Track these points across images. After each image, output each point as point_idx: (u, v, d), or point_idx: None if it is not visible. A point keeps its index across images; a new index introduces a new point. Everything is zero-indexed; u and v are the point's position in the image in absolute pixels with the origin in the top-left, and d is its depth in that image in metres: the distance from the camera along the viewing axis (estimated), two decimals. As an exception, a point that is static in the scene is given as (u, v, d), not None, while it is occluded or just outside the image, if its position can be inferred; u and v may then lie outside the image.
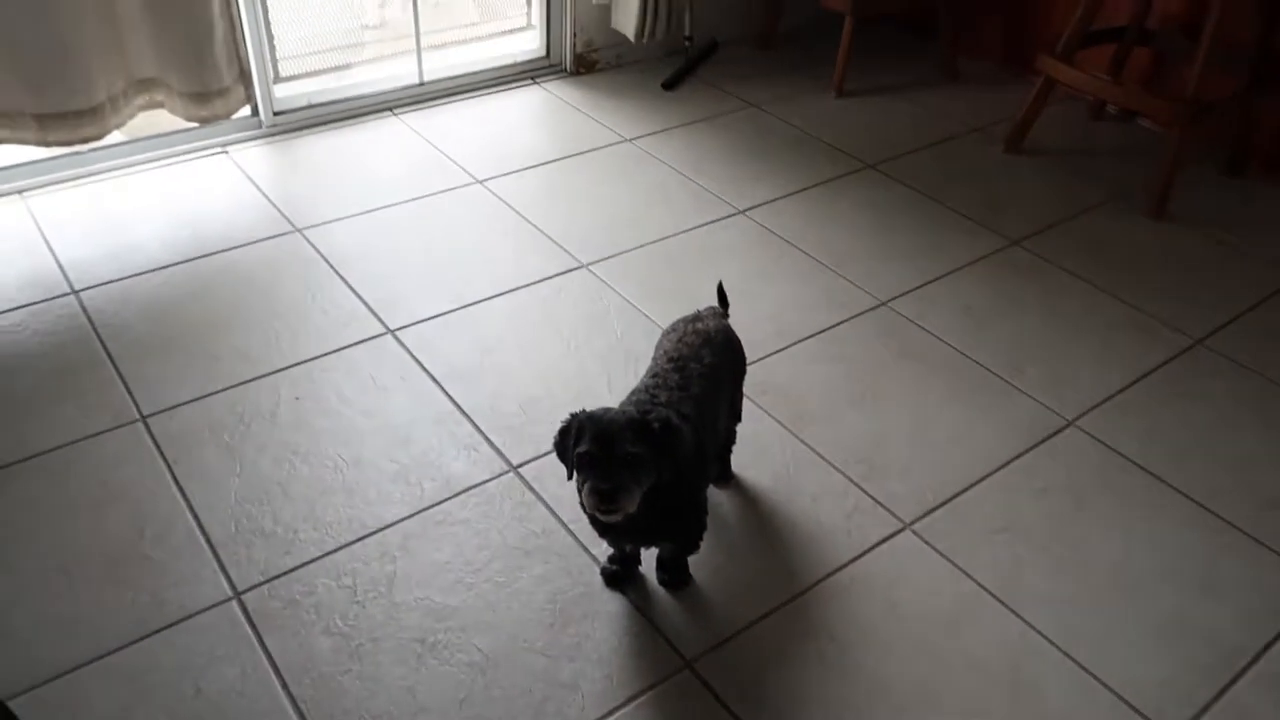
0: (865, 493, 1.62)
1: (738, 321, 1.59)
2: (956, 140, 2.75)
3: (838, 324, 2.01)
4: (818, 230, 2.31)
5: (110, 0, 2.05)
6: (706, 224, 2.32)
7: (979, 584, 1.48)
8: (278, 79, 2.60)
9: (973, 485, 1.65)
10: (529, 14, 3.01)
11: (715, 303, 1.61)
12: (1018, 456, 1.72)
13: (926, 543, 1.54)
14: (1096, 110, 2.90)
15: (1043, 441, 1.75)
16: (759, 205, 2.40)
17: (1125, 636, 1.41)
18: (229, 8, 2.21)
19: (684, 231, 2.29)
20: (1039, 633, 1.40)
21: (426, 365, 1.84)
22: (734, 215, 2.36)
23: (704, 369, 1.38)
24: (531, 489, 1.59)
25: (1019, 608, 1.44)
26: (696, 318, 1.48)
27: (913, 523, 1.57)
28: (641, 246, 2.23)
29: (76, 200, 2.27)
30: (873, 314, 2.05)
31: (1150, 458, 1.72)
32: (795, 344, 1.95)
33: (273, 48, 2.51)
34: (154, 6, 2.10)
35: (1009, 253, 2.28)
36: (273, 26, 2.50)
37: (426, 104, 2.78)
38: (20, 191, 2.27)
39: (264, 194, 2.34)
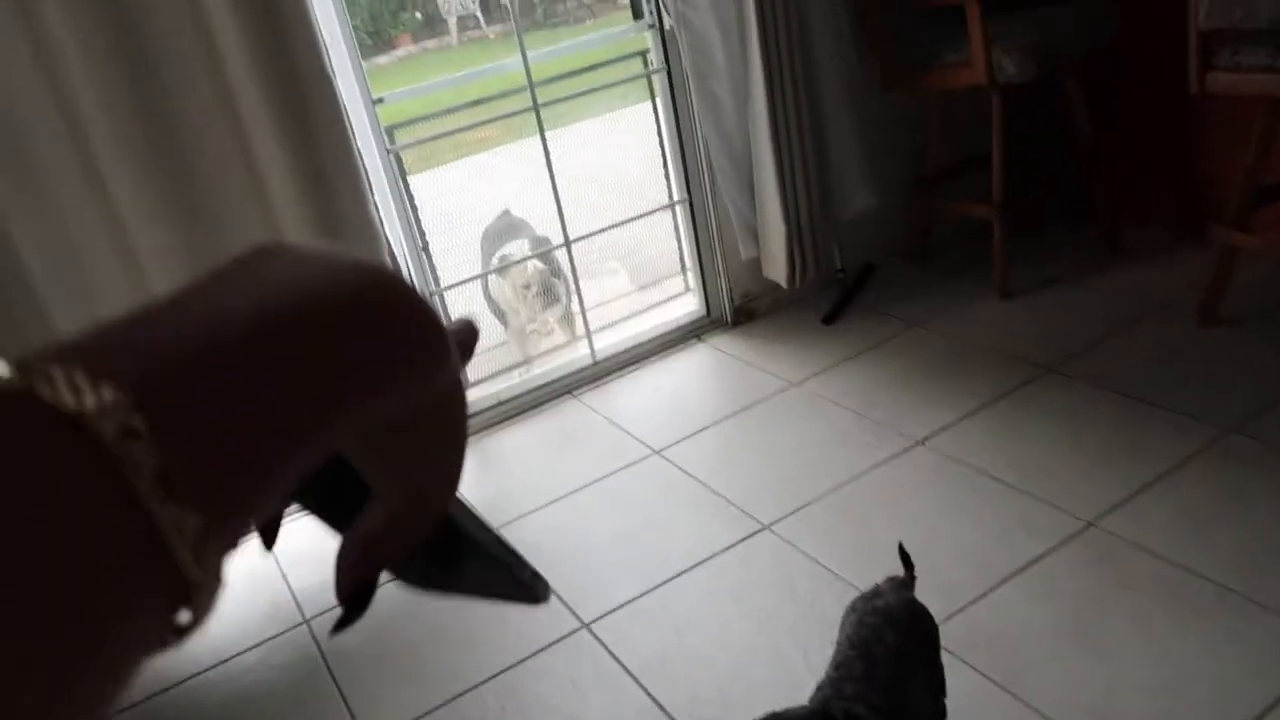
0: (1107, 760, 1.45)
1: (930, 568, 1.52)
2: (1142, 323, 2.61)
3: (1042, 555, 1.88)
4: (1005, 450, 2.22)
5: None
6: (886, 461, 2.28)
7: None
8: (467, 385, 2.85)
9: (1236, 737, 1.44)
10: (685, 279, 3.20)
11: (900, 560, 1.55)
12: (1285, 694, 1.49)
13: (1192, 819, 1.34)
14: (1297, 262, 2.69)
15: (1313, 671, 1.52)
16: (938, 432, 2.34)
17: None
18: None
19: (864, 473, 2.25)
20: None
21: (622, 659, 1.85)
22: (914, 447, 2.31)
23: (889, 652, 1.32)
24: (737, 792, 1.53)
25: None
26: (875, 594, 1.43)
27: (1170, 794, 1.38)
28: (822, 497, 2.20)
29: (308, 528, 2.51)
30: (1080, 538, 1.90)
31: None
32: (998, 586, 1.83)
33: (459, 361, 2.77)
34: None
35: (1227, 442, 2.08)
36: (458, 342, 2.77)
37: (602, 380, 2.95)
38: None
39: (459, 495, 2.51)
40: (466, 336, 0.36)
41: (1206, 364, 2.38)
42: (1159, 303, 2.69)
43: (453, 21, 11.38)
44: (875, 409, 2.49)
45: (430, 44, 11.38)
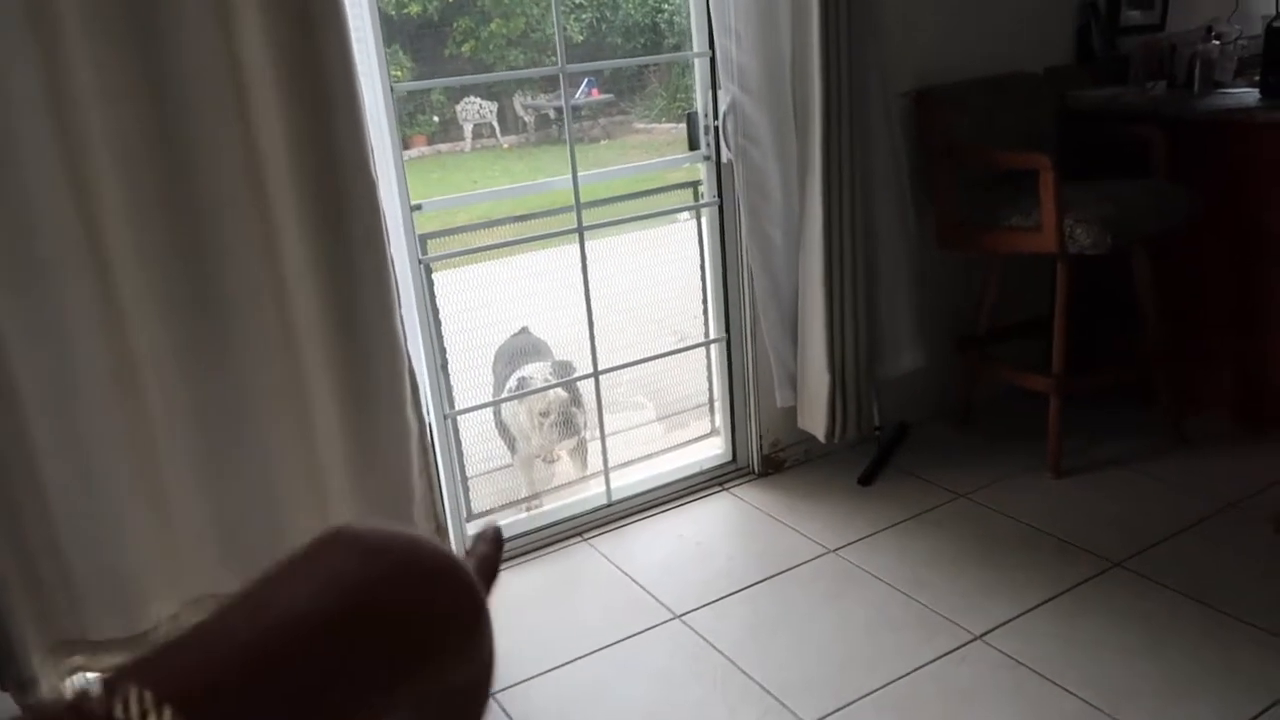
0: None
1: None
2: (1212, 521, 2.41)
3: (1139, 800, 1.62)
4: (1077, 659, 1.97)
5: (320, 480, 2.11)
6: (941, 657, 2.03)
7: None
8: (470, 517, 2.60)
9: None
10: (712, 421, 2.99)
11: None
12: None
13: None
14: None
15: None
16: (997, 627, 2.10)
17: None
18: (428, 469, 2.24)
19: (916, 669, 2.00)
20: None
21: None
22: (971, 642, 2.06)
23: None
24: None
25: None
26: None
27: None
28: (870, 694, 1.94)
29: None
30: (1180, 781, 1.65)
31: None
32: (1092, 837, 1.56)
33: (467, 494, 2.53)
34: (358, 479, 2.14)
35: (1330, 675, 1.86)
36: (468, 471, 2.54)
37: (616, 524, 2.70)
38: (222, 665, 2.25)
39: (457, 649, 2.22)
40: (491, 549, 0.43)
41: (1292, 577, 2.17)
42: (1227, 500, 2.49)
43: (468, 128, 11.51)
44: (923, 591, 2.25)
45: (444, 147, 11.46)
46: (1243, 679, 1.87)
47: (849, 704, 1.92)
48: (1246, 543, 2.32)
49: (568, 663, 2.14)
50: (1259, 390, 2.79)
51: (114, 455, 1.87)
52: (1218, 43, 2.90)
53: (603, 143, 11.05)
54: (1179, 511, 2.46)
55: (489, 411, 2.96)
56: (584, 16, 10.25)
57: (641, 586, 2.40)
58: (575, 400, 2.87)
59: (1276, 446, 2.67)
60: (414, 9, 10.15)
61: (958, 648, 2.05)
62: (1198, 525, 2.40)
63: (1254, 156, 2.62)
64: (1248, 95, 2.71)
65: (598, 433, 2.74)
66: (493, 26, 10.70)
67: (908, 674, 1.99)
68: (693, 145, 2.63)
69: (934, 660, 2.02)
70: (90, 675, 2.10)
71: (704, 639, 2.17)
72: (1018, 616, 2.13)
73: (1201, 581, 2.17)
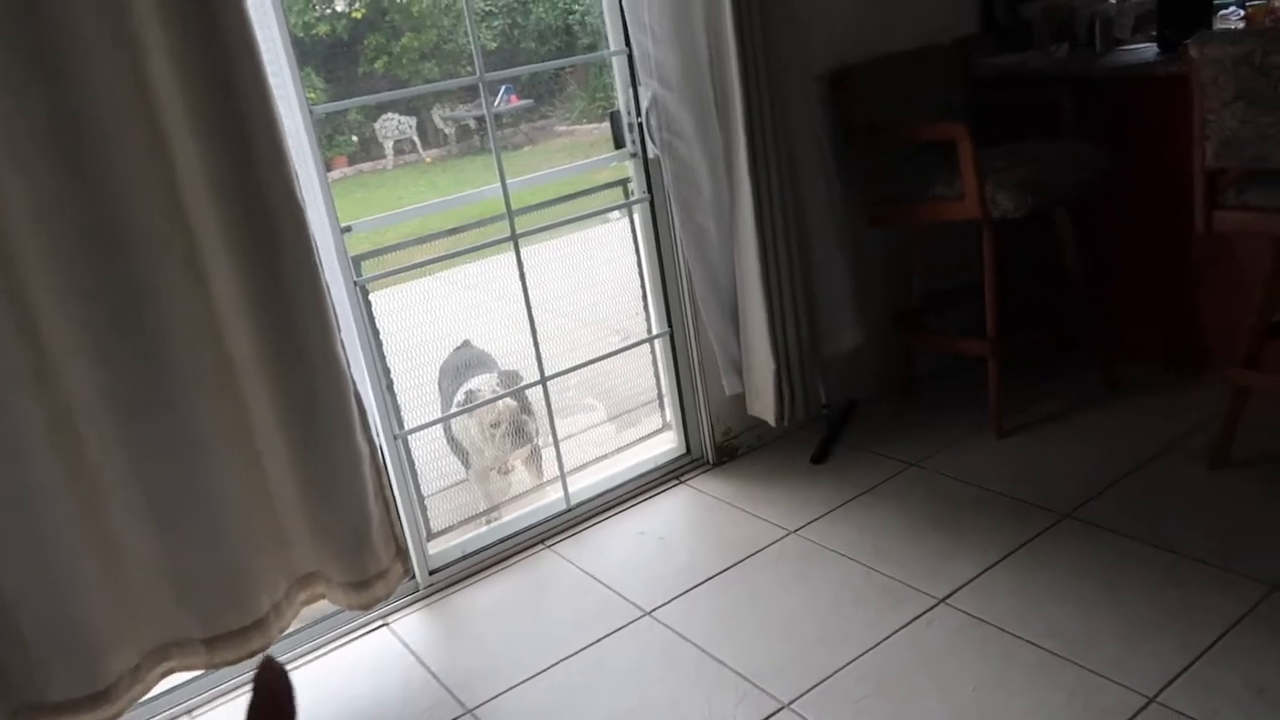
0: None
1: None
2: (1151, 465, 2.50)
3: (1109, 741, 1.67)
4: (1038, 611, 2.03)
5: (275, 514, 2.07)
6: (908, 624, 2.07)
7: None
8: (430, 536, 2.58)
9: None
10: (663, 416, 3.00)
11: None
12: None
13: None
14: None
15: None
16: (959, 589, 2.15)
17: None
18: (383, 491, 2.22)
19: (885, 639, 2.03)
20: None
21: None
22: (935, 606, 2.11)
23: None
24: None
25: None
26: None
27: None
28: (844, 668, 1.97)
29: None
30: (1143, 717, 1.71)
31: None
32: (1068, 781, 1.61)
33: (425, 513, 2.51)
34: (314, 510, 2.11)
35: (1274, 600, 1.93)
36: (423, 489, 2.52)
37: (577, 528, 2.70)
38: (189, 712, 2.20)
39: (429, 670, 2.21)
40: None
41: (1230, 509, 2.25)
42: (1162, 443, 2.58)
43: (389, 145, 11.37)
44: (885, 562, 2.30)
45: (365, 167, 11.31)
46: (1197, 612, 1.94)
47: (824, 680, 1.95)
48: (1186, 481, 2.40)
49: (542, 671, 2.13)
50: (1187, 336, 2.89)
51: (57, 507, 1.81)
52: (1115, 1, 3.00)
53: (525, 149, 11.00)
54: (1120, 458, 2.54)
55: (440, 429, 2.94)
56: (495, 24, 10.19)
57: (608, 587, 2.41)
58: (525, 408, 2.86)
59: (1207, 391, 2.76)
60: (322, 29, 10.00)
61: (923, 613, 2.10)
62: (1138, 470, 2.48)
63: (1158, 109, 2.71)
64: (1147, 50, 2.80)
65: (550, 439, 2.73)
66: (404, 41, 10.58)
67: (878, 644, 2.02)
68: (618, 144, 2.64)
69: (902, 628, 2.06)
70: (52, 738, 2.04)
71: (675, 632, 2.18)
72: (977, 576, 2.18)
73: (1148, 523, 2.25)
